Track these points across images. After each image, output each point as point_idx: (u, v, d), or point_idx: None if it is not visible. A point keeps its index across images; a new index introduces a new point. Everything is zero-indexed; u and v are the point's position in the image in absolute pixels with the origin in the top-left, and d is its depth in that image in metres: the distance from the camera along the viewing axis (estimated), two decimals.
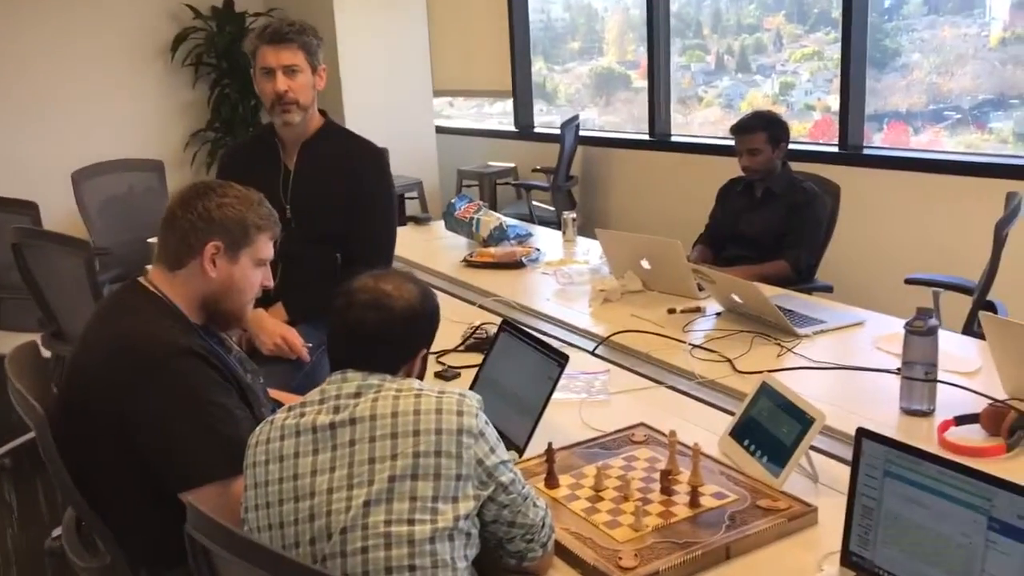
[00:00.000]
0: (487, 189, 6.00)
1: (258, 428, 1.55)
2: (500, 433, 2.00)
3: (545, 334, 2.77)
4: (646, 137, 5.43)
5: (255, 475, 1.52)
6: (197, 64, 6.06)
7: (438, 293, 3.20)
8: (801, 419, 1.80)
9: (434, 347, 2.57)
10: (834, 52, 4.92)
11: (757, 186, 3.45)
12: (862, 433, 1.51)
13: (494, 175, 6.04)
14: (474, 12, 6.52)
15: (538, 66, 6.46)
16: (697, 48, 5.58)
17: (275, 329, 2.44)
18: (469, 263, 3.61)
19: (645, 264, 3.09)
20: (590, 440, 1.99)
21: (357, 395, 1.50)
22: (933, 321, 2.04)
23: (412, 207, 5.79)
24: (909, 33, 4.36)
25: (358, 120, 5.78)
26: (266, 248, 1.85)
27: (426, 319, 1.62)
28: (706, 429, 2.06)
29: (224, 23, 5.97)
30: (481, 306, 3.09)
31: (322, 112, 2.60)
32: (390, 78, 5.94)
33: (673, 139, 5.36)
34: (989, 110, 4.40)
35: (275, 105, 2.44)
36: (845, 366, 2.35)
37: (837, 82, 4.94)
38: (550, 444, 1.81)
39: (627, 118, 6.30)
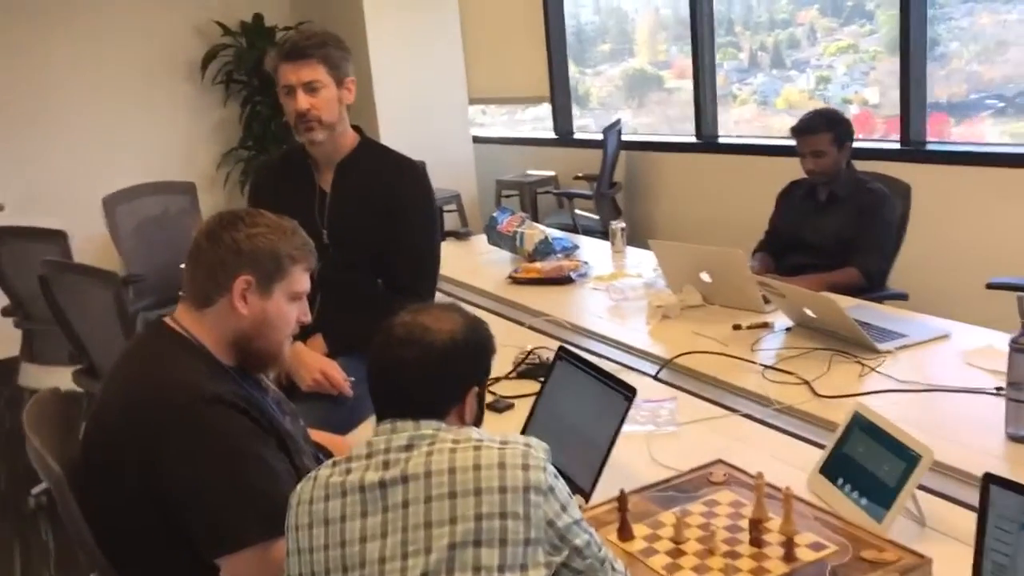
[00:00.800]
0: (527, 199, 5.82)
1: (299, 486, 1.38)
2: (563, 476, 1.84)
3: (601, 356, 2.58)
4: (692, 139, 5.22)
5: (297, 539, 1.35)
6: (228, 82, 5.96)
7: (482, 314, 3.09)
8: (904, 455, 1.60)
9: None
10: (869, 44, 4.84)
11: (820, 189, 3.24)
12: (991, 480, 1.30)
13: (534, 184, 5.85)
14: (509, 17, 6.36)
15: (570, 70, 6.32)
16: (730, 46, 5.44)
17: (314, 363, 2.28)
18: (515, 280, 3.43)
19: (705, 277, 2.89)
20: (663, 482, 1.79)
21: (408, 448, 1.33)
22: None
23: (451, 221, 5.63)
24: (947, 22, 4.20)
25: (392, 132, 5.64)
26: (302, 281, 1.69)
27: (474, 352, 1.44)
28: (790, 464, 1.86)
29: (253, 39, 5.86)
30: (531, 327, 2.91)
31: (357, 128, 2.43)
32: (424, 87, 5.79)
33: (721, 140, 5.15)
34: None
35: (298, 124, 2.28)
36: (939, 387, 2.13)
37: (874, 75, 4.81)
38: (622, 491, 1.62)
39: (661, 119, 6.18)
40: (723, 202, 4.93)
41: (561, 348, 2.08)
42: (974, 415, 2.02)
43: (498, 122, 7.32)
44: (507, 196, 5.94)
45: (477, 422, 1.48)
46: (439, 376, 1.39)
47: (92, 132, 5.55)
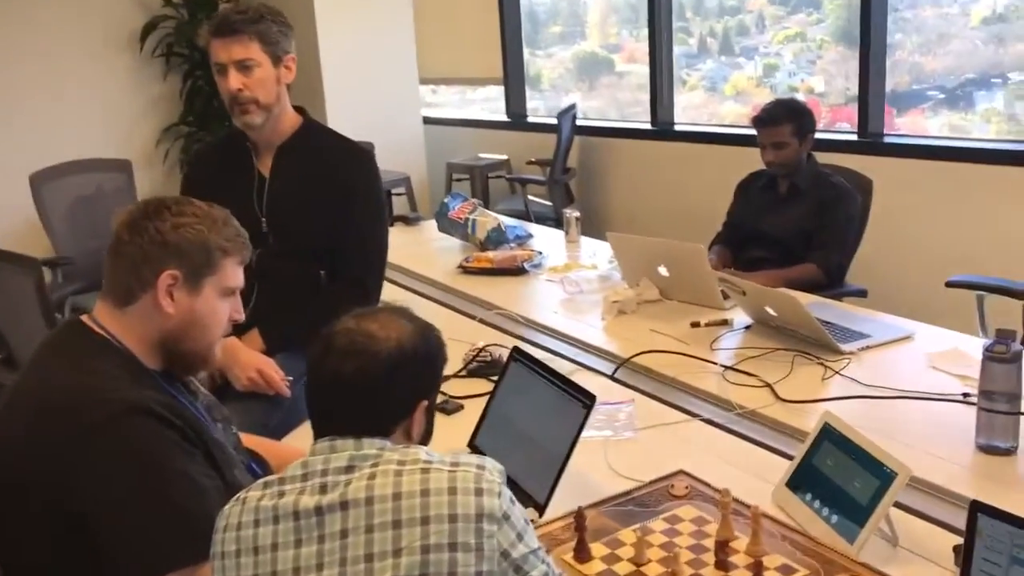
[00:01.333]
0: (479, 183, 5.68)
1: (227, 508, 1.24)
2: (514, 487, 1.72)
3: (553, 353, 2.48)
4: (648, 126, 5.12)
5: (224, 568, 1.22)
6: (168, 55, 5.70)
7: (430, 306, 2.98)
8: (878, 471, 1.51)
9: None
10: (816, 33, 4.86)
11: (781, 182, 3.16)
12: (978, 508, 1.21)
13: (485, 168, 5.71)
14: None
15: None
16: (680, 31, 5.40)
17: (250, 361, 2.13)
18: (465, 269, 3.30)
19: (663, 271, 2.79)
20: (623, 495, 1.69)
21: (349, 470, 1.20)
22: (1017, 346, 1.75)
23: (400, 205, 5.46)
24: (892, 12, 4.19)
25: (339, 111, 5.46)
26: (235, 275, 1.54)
27: (424, 363, 1.31)
28: (753, 475, 1.77)
29: (195, 9, 5.61)
30: (482, 320, 2.79)
31: (299, 109, 2.27)
32: (374, 65, 5.60)
33: (677, 128, 5.05)
34: (972, 90, 4.31)
35: (232, 106, 2.12)
36: (906, 393, 2.06)
37: (820, 63, 4.83)
38: (580, 508, 1.50)
39: (610, 102, 6.12)
40: (679, 191, 4.84)
41: (515, 348, 1.96)
42: (942, 422, 1.94)
43: (449, 101, 7.15)
44: (458, 180, 5.79)
45: (425, 439, 1.36)
46: (384, 390, 1.26)
47: (20, 106, 5.23)
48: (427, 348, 1.31)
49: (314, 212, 2.19)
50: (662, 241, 2.78)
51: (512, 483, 1.74)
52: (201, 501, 1.35)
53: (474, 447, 1.92)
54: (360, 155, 2.24)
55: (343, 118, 5.45)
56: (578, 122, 5.30)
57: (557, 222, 5.19)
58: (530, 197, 5.27)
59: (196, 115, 5.71)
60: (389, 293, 3.12)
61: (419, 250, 3.71)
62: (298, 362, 2.19)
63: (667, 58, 5.05)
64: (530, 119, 5.97)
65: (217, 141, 2.30)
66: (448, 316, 2.87)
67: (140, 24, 5.56)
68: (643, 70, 5.29)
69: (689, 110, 5.37)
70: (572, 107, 5.22)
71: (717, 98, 5.39)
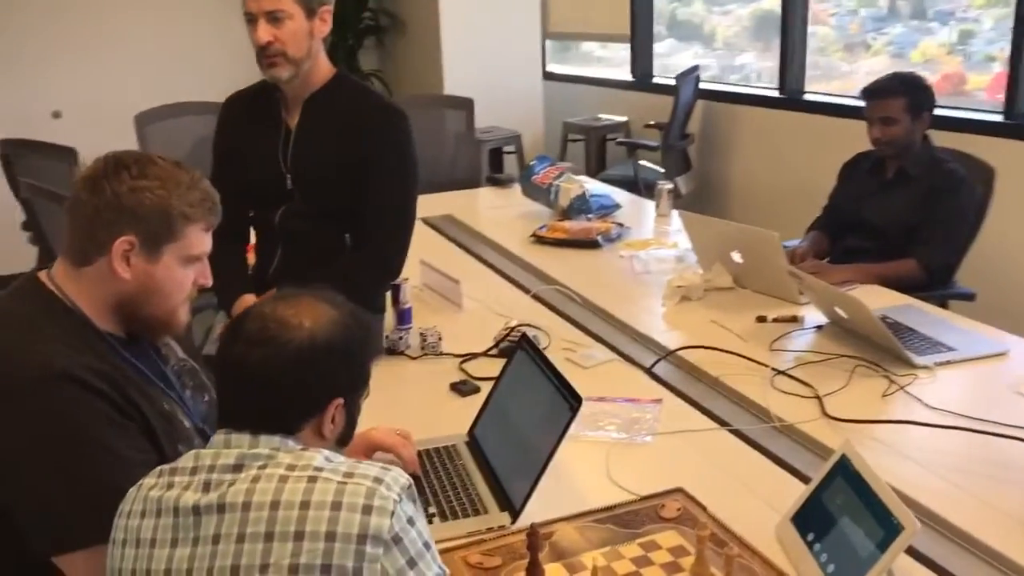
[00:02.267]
0: (594, 145, 5.45)
1: (130, 491, 1.17)
2: (499, 485, 1.59)
3: (599, 339, 2.31)
4: (776, 94, 4.76)
5: (111, 555, 1.15)
6: None
7: (486, 272, 2.85)
8: (885, 521, 1.29)
9: (462, 349, 2.21)
10: None
11: (889, 164, 2.83)
12: None
13: (603, 130, 5.48)
14: None
15: (696, 7, 5.86)
16: None
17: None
18: (539, 238, 3.15)
19: (736, 257, 2.55)
20: (605, 510, 1.53)
21: (237, 468, 1.09)
22: None
23: (510, 164, 5.32)
24: None
25: (453, 66, 5.35)
26: (199, 242, 1.45)
27: (341, 357, 1.19)
28: (767, 501, 1.57)
29: None
30: (536, 296, 2.63)
31: (336, 65, 2.16)
32: (493, 20, 5.44)
33: (807, 98, 4.67)
34: None
35: (260, 58, 2.02)
36: (976, 426, 1.77)
37: None
38: (533, 526, 1.35)
39: None
40: (803, 166, 4.47)
41: (523, 336, 1.81)
42: (1016, 466, 1.66)
43: (592, 58, 6.85)
44: (574, 140, 5.58)
45: (343, 440, 1.24)
46: (289, 384, 1.15)
47: (127, 48, 5.32)
48: (345, 341, 1.19)
49: (338, 169, 2.08)
50: (735, 225, 2.55)
51: (496, 481, 1.63)
52: (123, 476, 1.27)
53: (472, 436, 1.79)
54: (393, 115, 2.11)
55: (455, 74, 5.36)
56: (702, 85, 4.99)
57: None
58: (643, 163, 5.02)
59: None
60: (448, 255, 3.03)
61: (498, 214, 3.58)
62: None
63: (801, 17, 4.64)
64: (656, 80, 5.67)
65: (250, 88, 2.22)
66: (499, 287, 2.74)
67: None
68: (826, 32, 4.88)
69: (871, 77, 4.89)
70: (694, 69, 4.90)
71: (901, 65, 4.91)
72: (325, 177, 2.10)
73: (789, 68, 4.69)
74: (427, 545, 1.08)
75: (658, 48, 5.95)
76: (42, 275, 1.43)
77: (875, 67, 4.95)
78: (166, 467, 1.15)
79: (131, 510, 1.14)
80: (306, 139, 2.10)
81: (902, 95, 2.72)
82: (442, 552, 1.41)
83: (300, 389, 1.15)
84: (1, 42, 5.20)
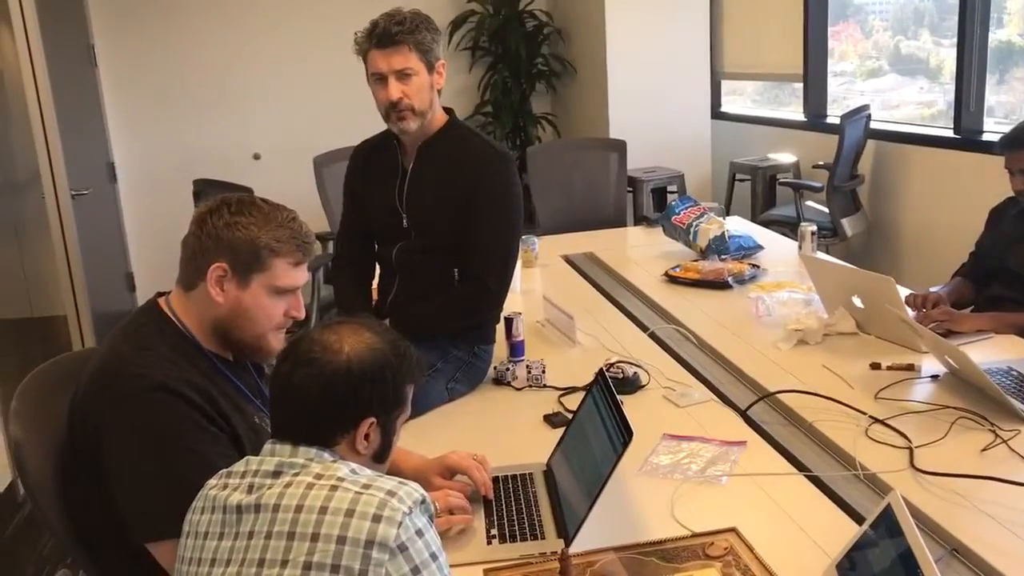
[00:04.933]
0: (761, 185, 5.38)
1: (201, 491, 1.34)
2: (561, 511, 1.66)
3: (701, 378, 2.33)
4: (950, 133, 4.53)
5: (182, 547, 1.32)
6: (474, 48, 6.04)
7: (616, 312, 2.91)
8: None
9: (566, 383, 2.30)
10: None
11: None
12: None
13: (770, 169, 5.39)
14: None
15: (923, 39, 5.64)
16: None
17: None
18: (671, 278, 3.18)
19: (857, 302, 2.50)
20: (654, 543, 1.57)
21: (276, 474, 1.24)
22: None
23: None
24: None
25: (618, 108, 5.45)
26: (287, 275, 1.62)
27: (372, 380, 1.31)
28: (824, 549, 1.55)
29: (500, 6, 5.88)
30: (652, 334, 2.68)
31: (448, 110, 2.33)
32: (662, 61, 5.51)
33: (985, 138, 4.42)
34: None
35: (390, 113, 2.21)
36: None
37: None
38: (564, 551, 1.42)
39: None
40: (980, 211, 4.23)
41: (600, 371, 1.88)
42: None
43: (767, 99, 6.73)
44: (740, 180, 5.53)
45: (379, 457, 1.36)
46: (323, 402, 1.29)
47: (334, 93, 5.74)
48: (378, 365, 1.31)
49: (446, 209, 2.24)
50: (852, 269, 2.50)
51: (560, 509, 1.70)
52: (206, 476, 1.45)
53: (548, 465, 1.88)
54: (497, 161, 2.25)
55: (621, 114, 5.46)
56: (872, 125, 4.83)
57: (833, 232, 4.80)
58: (810, 203, 4.91)
59: (493, 104, 5.99)
60: (578, 292, 3.12)
61: (639, 253, 3.64)
62: (426, 356, 2.27)
63: (980, 50, 4.41)
64: (830, 120, 5.53)
65: (376, 137, 2.42)
66: (619, 325, 2.80)
67: (450, 18, 5.92)
68: None
69: None
70: (863, 108, 4.76)
71: None
72: (435, 217, 2.27)
73: (964, 106, 4.46)
74: (434, 556, 1.18)
75: (878, 84, 5.75)
76: (161, 300, 1.66)
77: None
78: (229, 470, 1.32)
79: (197, 506, 1.31)
80: (419, 182, 2.28)
81: None
82: (487, 572, 1.51)
83: (333, 407, 1.29)
84: (211, 90, 5.80)
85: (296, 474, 1.23)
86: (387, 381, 1.33)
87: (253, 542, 1.20)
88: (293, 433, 1.28)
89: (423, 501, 1.21)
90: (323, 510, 1.17)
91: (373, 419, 1.32)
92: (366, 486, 1.19)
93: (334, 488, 1.19)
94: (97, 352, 1.65)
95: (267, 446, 1.29)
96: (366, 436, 1.32)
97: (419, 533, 1.18)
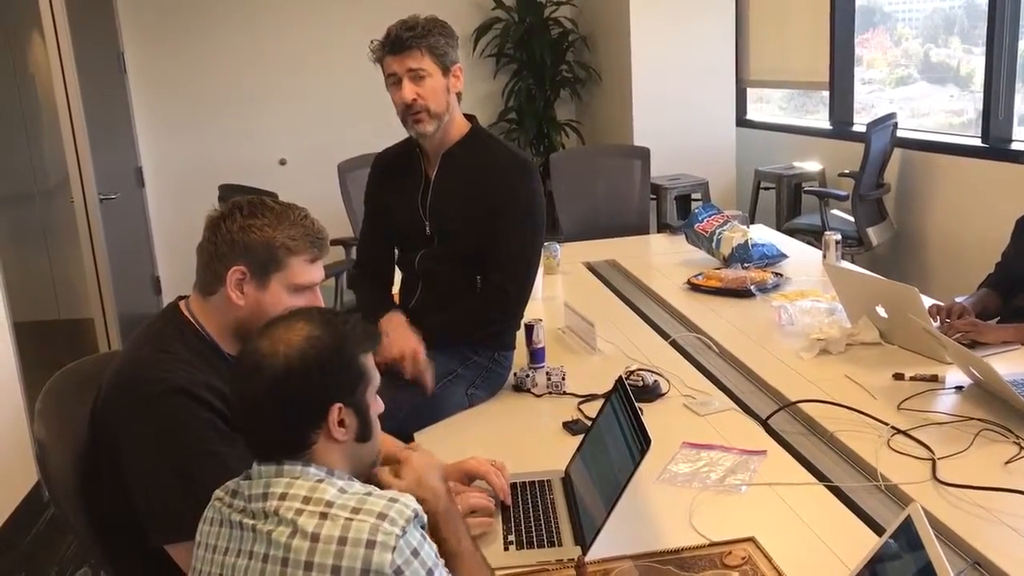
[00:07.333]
0: (785, 193, 5.35)
1: (212, 499, 1.34)
2: (578, 518, 1.66)
3: (722, 386, 2.32)
4: (977, 142, 4.49)
5: (195, 557, 1.33)
6: (498, 55, 6.05)
7: (638, 320, 2.90)
8: None
9: (586, 390, 2.29)
10: None
11: None
12: None
13: (795, 178, 5.36)
14: None
15: (953, 47, 5.59)
16: None
17: (408, 341, 2.19)
18: (693, 286, 3.17)
19: (880, 311, 2.48)
20: (672, 552, 1.56)
21: (264, 497, 1.23)
22: None
23: None
24: None
25: (643, 115, 5.45)
26: (304, 272, 1.63)
27: (319, 369, 1.25)
28: (843, 560, 1.54)
29: (525, 13, 5.89)
30: (673, 342, 2.67)
31: (471, 117, 2.34)
32: (686, 69, 5.50)
33: (1014, 147, 4.37)
34: None
35: (406, 115, 2.22)
36: None
37: None
38: (580, 558, 1.42)
39: None
40: (1008, 221, 4.19)
41: (619, 379, 1.87)
42: None
43: (798, 106, 6.68)
44: (765, 188, 5.50)
45: (362, 437, 1.32)
46: (275, 409, 1.25)
47: (364, 96, 5.79)
48: (317, 354, 1.25)
49: (469, 217, 2.25)
50: (875, 278, 2.48)
51: (577, 517, 1.70)
52: (223, 478, 1.46)
53: (567, 472, 1.87)
54: (520, 168, 2.26)
55: (646, 121, 5.45)
56: (899, 133, 4.79)
57: (859, 241, 4.76)
58: (835, 212, 4.88)
59: (517, 111, 6.00)
60: (599, 299, 3.12)
61: (662, 261, 3.63)
62: (446, 361, 2.28)
63: (1009, 59, 4.36)
64: (856, 128, 5.49)
65: (397, 146, 2.43)
66: (640, 332, 2.80)
67: (475, 26, 5.94)
68: None
69: None
70: (889, 117, 4.72)
71: None
72: (458, 224, 2.27)
73: (993, 115, 4.41)
74: (431, 572, 1.17)
75: (908, 92, 5.70)
76: (181, 304, 1.67)
77: None
78: (232, 487, 1.31)
79: (207, 516, 1.32)
80: (442, 190, 2.29)
81: None
82: None
83: (290, 409, 1.25)
84: (238, 97, 5.86)
85: (283, 496, 1.21)
86: (335, 363, 1.27)
87: (252, 563, 1.20)
88: (269, 449, 1.26)
89: (416, 516, 1.20)
90: (315, 538, 1.16)
91: (339, 404, 1.27)
92: (355, 510, 1.18)
93: (324, 516, 1.17)
94: (118, 355, 1.67)
95: (253, 468, 1.27)
96: (340, 422, 1.27)
97: (415, 553, 1.16)
